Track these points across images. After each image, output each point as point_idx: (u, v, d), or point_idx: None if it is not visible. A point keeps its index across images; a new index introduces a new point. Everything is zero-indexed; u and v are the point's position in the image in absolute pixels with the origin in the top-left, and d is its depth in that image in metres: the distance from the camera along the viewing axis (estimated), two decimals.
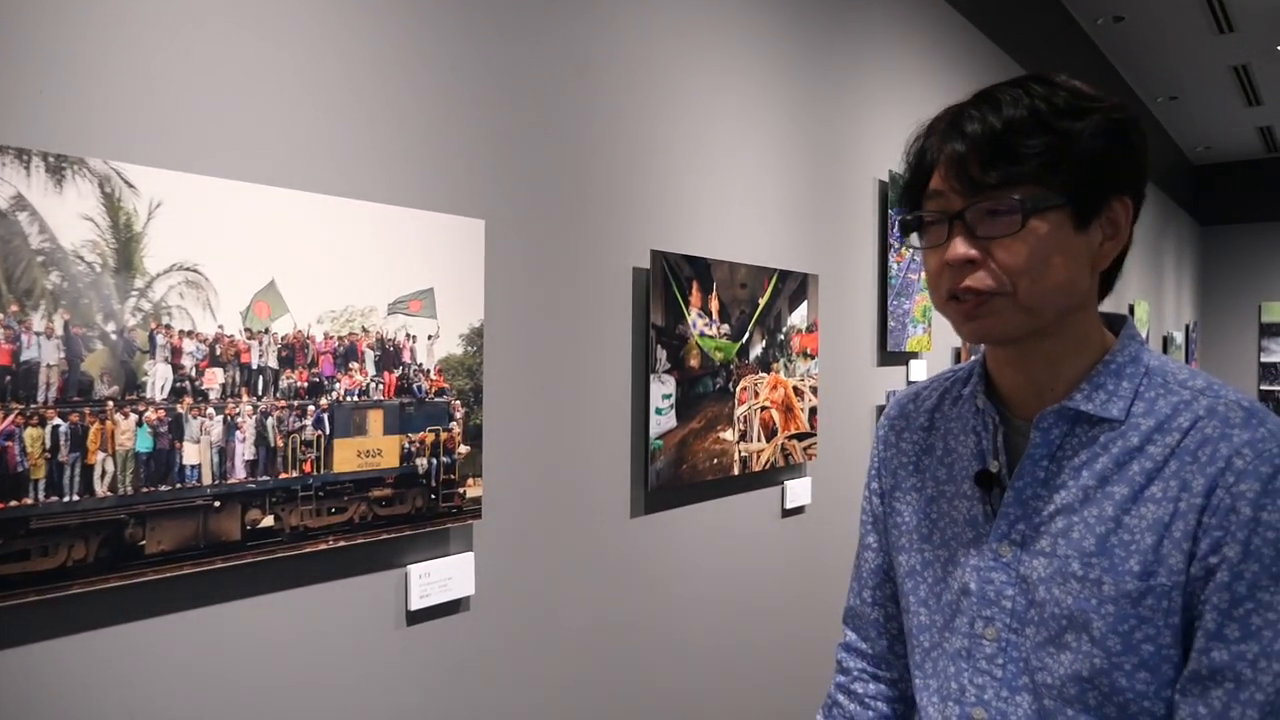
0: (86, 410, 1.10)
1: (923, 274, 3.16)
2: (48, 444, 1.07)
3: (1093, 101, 0.88)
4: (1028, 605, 0.90)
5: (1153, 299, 7.02)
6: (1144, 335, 6.40)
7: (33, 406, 1.06)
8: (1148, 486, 0.85)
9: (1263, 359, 8.59)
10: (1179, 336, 7.95)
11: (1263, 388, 8.57)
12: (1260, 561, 0.79)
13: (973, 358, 1.06)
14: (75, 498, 1.09)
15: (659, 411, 2.00)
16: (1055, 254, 0.85)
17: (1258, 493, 0.80)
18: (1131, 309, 6.25)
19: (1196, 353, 8.77)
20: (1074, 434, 0.90)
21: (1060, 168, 0.84)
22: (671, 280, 2.01)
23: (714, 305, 2.15)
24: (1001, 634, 0.92)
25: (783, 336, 2.42)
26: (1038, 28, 4.57)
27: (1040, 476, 0.91)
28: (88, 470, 1.10)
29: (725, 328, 2.19)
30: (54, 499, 1.07)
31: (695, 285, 2.09)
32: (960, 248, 0.86)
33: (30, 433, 1.06)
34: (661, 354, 1.99)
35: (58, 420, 1.08)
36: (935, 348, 3.50)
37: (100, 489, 1.11)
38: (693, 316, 2.08)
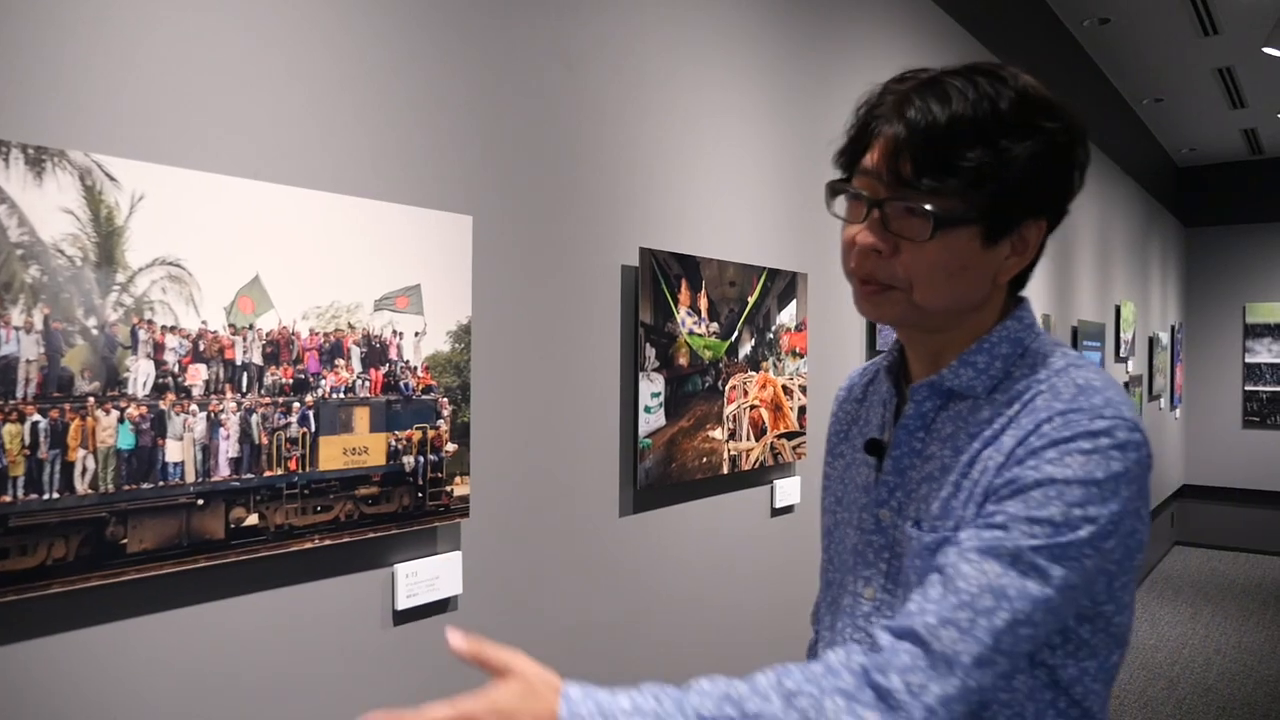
0: (67, 406, 1.09)
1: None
2: (27, 441, 1.05)
3: (1039, 117, 0.87)
4: (898, 568, 0.96)
5: (1139, 300, 7.05)
6: (1130, 336, 6.44)
7: (11, 402, 1.04)
8: (983, 451, 0.90)
9: (1247, 359, 8.64)
10: (1165, 337, 7.99)
11: (1247, 388, 8.63)
12: (1022, 500, 0.82)
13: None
14: (55, 495, 1.07)
15: (648, 410, 1.99)
16: (957, 266, 0.89)
17: (1047, 447, 0.84)
18: (1118, 310, 6.28)
19: (1182, 353, 8.83)
20: (946, 408, 0.96)
21: (985, 188, 0.85)
22: (660, 278, 2.01)
23: (703, 303, 2.14)
24: (878, 594, 0.98)
25: (772, 335, 2.41)
26: (1024, 29, 4.59)
27: (916, 447, 0.97)
28: (68, 467, 1.08)
29: (714, 326, 2.18)
30: (33, 496, 1.05)
31: (684, 283, 2.08)
32: (869, 236, 0.89)
33: (9, 429, 1.04)
34: (650, 352, 1.98)
35: (37, 416, 1.06)
36: None
37: (81, 486, 1.10)
38: (681, 315, 2.07)
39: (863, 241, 0.90)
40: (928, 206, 0.85)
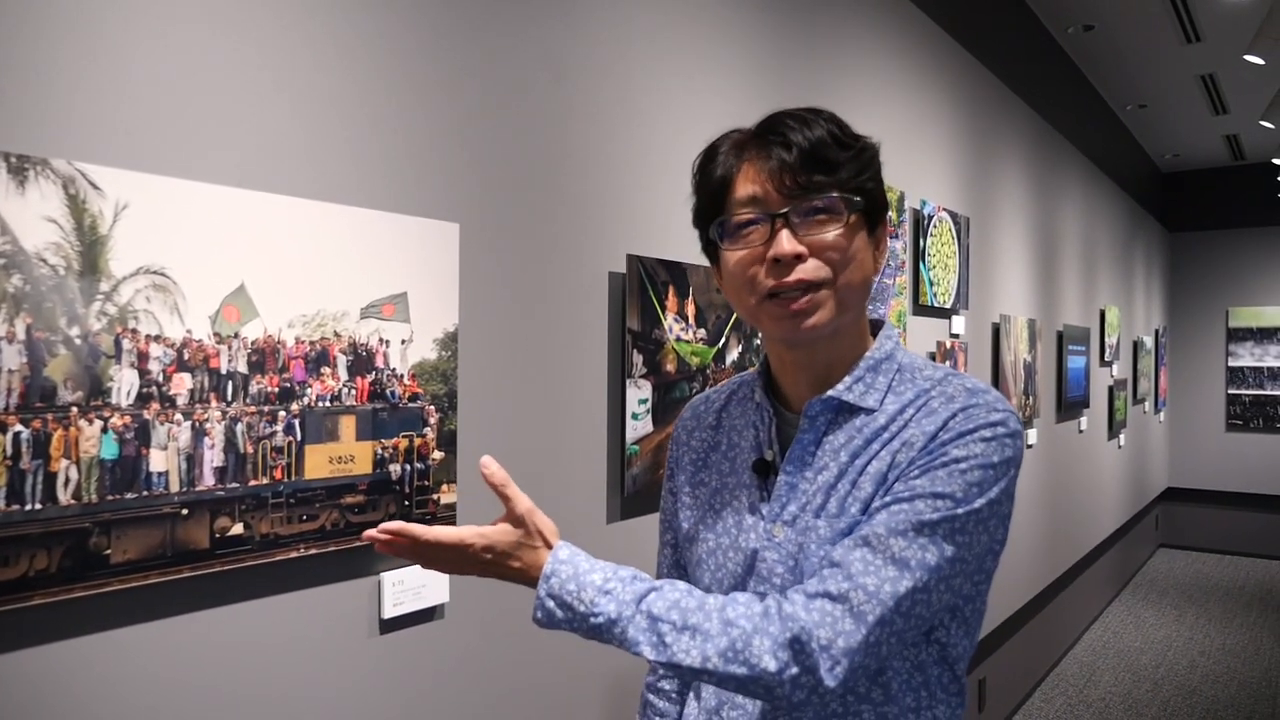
0: (49, 416, 1.08)
1: (897, 278, 3.19)
2: (9, 451, 1.04)
3: (860, 135, 1.02)
4: (796, 580, 0.99)
5: (1123, 304, 7.10)
6: (1114, 340, 6.48)
7: None
8: (879, 451, 0.98)
9: (1230, 364, 8.71)
10: (1149, 341, 8.05)
11: (1231, 391, 8.70)
12: (931, 477, 0.92)
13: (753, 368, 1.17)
14: (37, 506, 1.06)
15: (635, 417, 1.99)
16: (860, 250, 0.99)
17: (956, 435, 0.94)
18: (1103, 314, 6.32)
19: (1166, 357, 8.89)
20: (837, 422, 1.02)
21: (860, 179, 0.98)
22: (647, 284, 2.01)
23: (690, 310, 2.14)
24: None
25: (759, 341, 2.42)
26: (1009, 35, 4.62)
27: (808, 461, 1.02)
28: (50, 478, 1.08)
29: (702, 332, 2.19)
30: (15, 507, 1.05)
31: (671, 290, 2.08)
32: (789, 244, 0.95)
33: None
34: (637, 359, 1.98)
35: (19, 427, 1.05)
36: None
37: (64, 497, 1.09)
38: (669, 321, 2.08)
39: (781, 251, 0.95)
40: (835, 195, 0.96)
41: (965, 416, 0.95)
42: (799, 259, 0.96)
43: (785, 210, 0.96)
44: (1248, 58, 4.47)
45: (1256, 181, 8.36)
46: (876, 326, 1.09)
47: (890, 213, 1.05)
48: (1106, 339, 6.39)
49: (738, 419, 1.13)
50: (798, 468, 1.02)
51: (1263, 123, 5.47)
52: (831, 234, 0.96)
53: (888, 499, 0.94)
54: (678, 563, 1.21)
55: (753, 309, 1.00)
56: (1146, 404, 8.01)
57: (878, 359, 1.03)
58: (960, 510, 0.91)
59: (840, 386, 1.01)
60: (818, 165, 0.96)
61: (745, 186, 0.98)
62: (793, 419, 1.06)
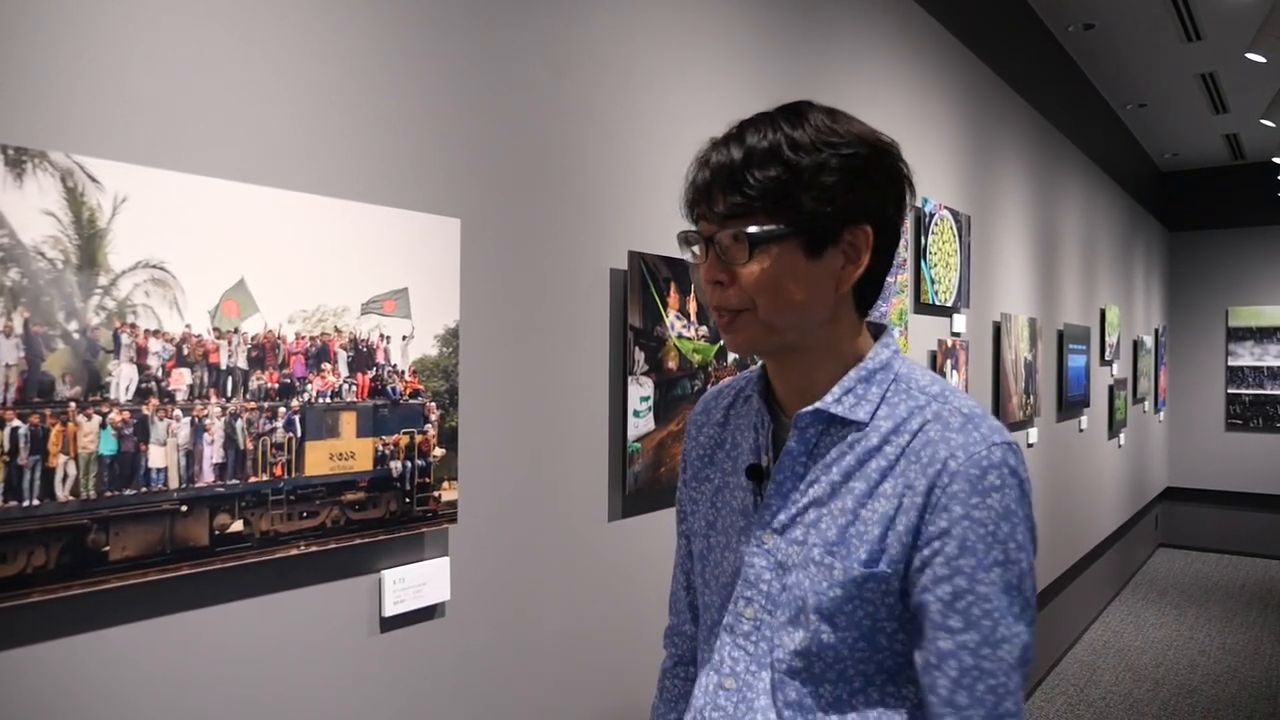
0: (47, 412, 1.07)
1: (899, 276, 3.18)
2: (6, 446, 1.03)
3: (832, 138, 0.94)
4: (781, 589, 0.99)
5: (1123, 304, 7.10)
6: (1114, 339, 6.48)
7: None
8: (881, 483, 0.95)
9: (1230, 363, 8.71)
10: (1149, 341, 8.05)
11: (1230, 391, 8.70)
12: (974, 555, 0.91)
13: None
14: (35, 502, 1.05)
15: (637, 414, 1.98)
16: (787, 279, 0.94)
17: (968, 492, 0.91)
18: (1103, 313, 6.31)
19: (1166, 357, 8.89)
20: (828, 433, 1.00)
21: (787, 201, 0.92)
22: (649, 281, 2.00)
23: (692, 307, 2.13)
24: (758, 614, 1.01)
25: None
26: (1009, 34, 4.61)
27: (799, 471, 1.01)
28: (48, 474, 1.07)
29: (704, 330, 2.18)
30: (13, 503, 1.03)
31: (673, 286, 2.07)
32: (709, 272, 0.96)
33: None
34: (639, 356, 1.97)
35: (17, 422, 1.04)
36: (912, 350, 3.51)
37: (62, 493, 1.08)
38: (671, 318, 2.07)
39: (706, 276, 0.97)
40: (747, 230, 0.93)
41: (967, 458, 0.92)
42: (720, 284, 0.96)
43: (712, 235, 0.96)
44: (1249, 55, 4.46)
45: (1256, 181, 8.35)
46: (880, 330, 1.07)
47: (867, 224, 0.98)
48: (1107, 338, 6.38)
49: (742, 418, 1.13)
50: (789, 478, 1.01)
51: (1263, 121, 5.46)
52: (745, 266, 0.94)
53: (949, 624, 0.92)
54: (690, 553, 1.21)
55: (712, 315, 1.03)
56: (1146, 403, 8.01)
57: (871, 369, 1.01)
58: (1025, 588, 0.93)
59: (828, 399, 0.99)
60: (731, 188, 0.93)
61: (702, 205, 0.99)
62: (788, 425, 1.04)
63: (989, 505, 0.91)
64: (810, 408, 0.99)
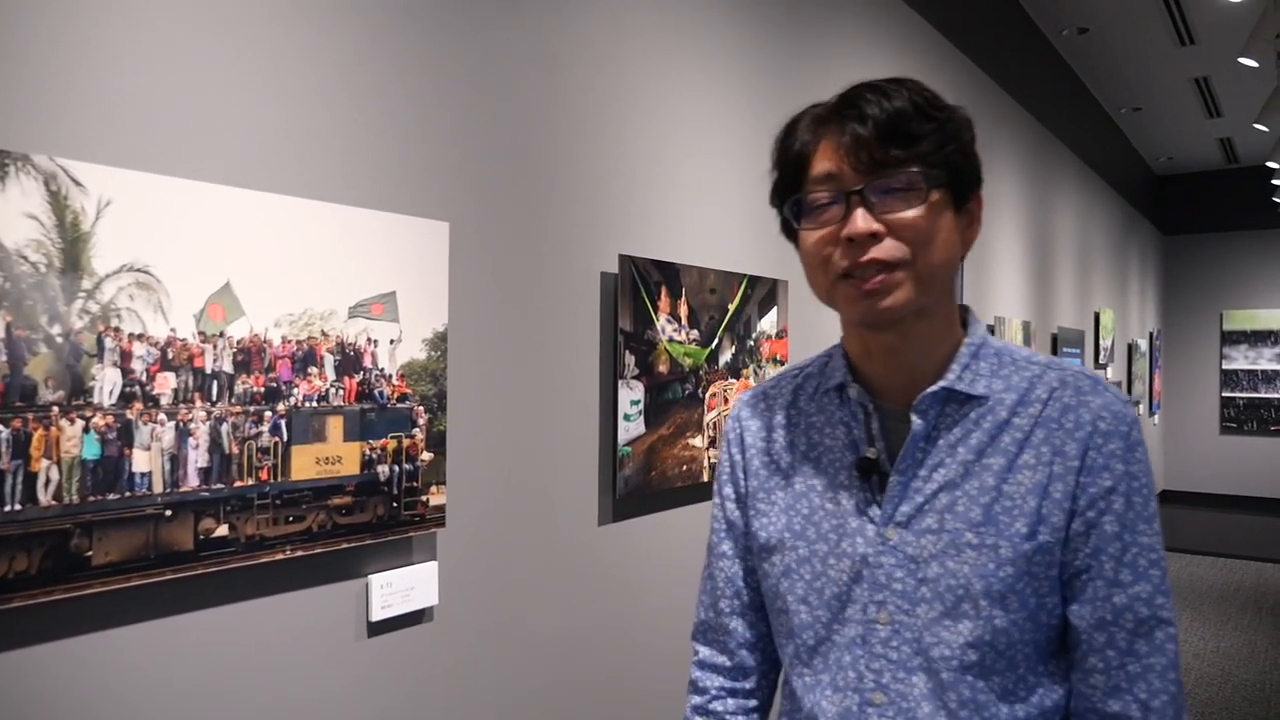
0: (30, 416, 1.06)
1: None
2: None
3: (944, 102, 0.96)
4: (917, 585, 0.93)
5: (1117, 307, 7.11)
6: (1109, 342, 6.49)
7: None
8: (1020, 455, 0.93)
9: (1224, 366, 8.73)
10: (1143, 344, 8.06)
11: (1224, 394, 8.71)
12: (1135, 509, 0.91)
13: (815, 355, 1.11)
14: (17, 507, 1.05)
15: (627, 418, 1.97)
16: (943, 229, 0.93)
17: (1124, 449, 0.92)
18: (1097, 317, 6.32)
19: (1160, 360, 8.90)
20: (945, 414, 0.96)
21: (943, 151, 0.92)
22: (640, 285, 2.00)
23: (683, 311, 2.13)
24: (894, 616, 0.94)
25: (752, 342, 2.41)
26: (1004, 37, 4.62)
27: (919, 458, 0.96)
28: (31, 478, 1.06)
29: (694, 333, 2.17)
30: None
31: (664, 290, 2.07)
32: (863, 222, 0.90)
33: None
34: (630, 359, 1.97)
35: None
36: None
37: (44, 498, 1.07)
38: (661, 322, 2.06)
39: (855, 230, 0.90)
40: (916, 169, 0.90)
41: (1113, 417, 0.93)
42: (874, 238, 0.90)
43: (860, 188, 0.90)
44: (1242, 60, 4.48)
45: (1250, 185, 8.38)
46: (961, 310, 1.04)
47: (979, 186, 1.01)
48: (1101, 341, 6.39)
49: (814, 415, 1.05)
50: (910, 464, 0.95)
51: (1257, 125, 5.48)
52: (910, 212, 0.90)
53: (1108, 622, 0.92)
54: (739, 575, 1.10)
55: (828, 290, 0.95)
56: (1141, 407, 8.02)
57: (975, 344, 0.99)
58: (1164, 600, 0.93)
59: (950, 376, 0.95)
60: (895, 139, 0.90)
61: (821, 163, 0.93)
62: (891, 412, 0.99)
63: (1139, 459, 0.93)
64: (936, 386, 0.95)
